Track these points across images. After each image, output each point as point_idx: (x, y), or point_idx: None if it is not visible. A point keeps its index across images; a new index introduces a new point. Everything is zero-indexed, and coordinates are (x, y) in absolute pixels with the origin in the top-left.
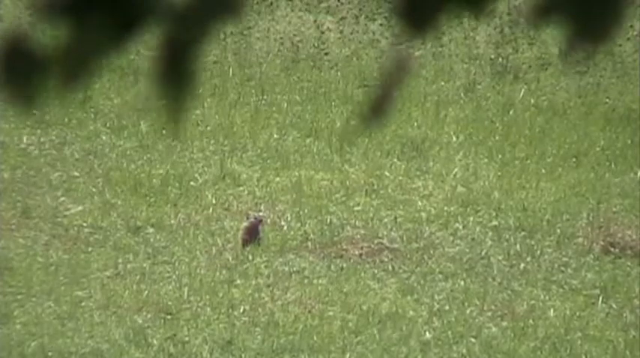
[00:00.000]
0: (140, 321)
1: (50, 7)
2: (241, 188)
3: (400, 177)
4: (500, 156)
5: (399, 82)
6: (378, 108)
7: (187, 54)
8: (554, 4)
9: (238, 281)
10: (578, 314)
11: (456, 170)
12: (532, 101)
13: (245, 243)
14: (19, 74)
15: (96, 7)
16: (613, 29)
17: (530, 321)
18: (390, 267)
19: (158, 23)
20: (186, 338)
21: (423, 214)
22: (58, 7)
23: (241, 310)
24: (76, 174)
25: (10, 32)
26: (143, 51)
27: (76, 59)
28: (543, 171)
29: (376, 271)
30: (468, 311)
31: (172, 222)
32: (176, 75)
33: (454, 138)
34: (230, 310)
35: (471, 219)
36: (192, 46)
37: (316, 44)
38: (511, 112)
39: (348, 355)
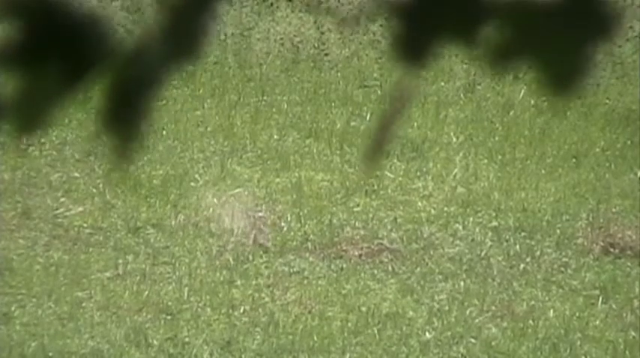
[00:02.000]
0: (140, 322)
1: (1, 56)
2: (241, 188)
3: (400, 178)
4: (500, 156)
5: (398, 118)
6: (378, 147)
7: (138, 98)
8: (518, 50)
9: (238, 282)
10: (577, 314)
11: (455, 171)
12: (532, 102)
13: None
14: None
15: (48, 55)
16: (584, 75)
17: (530, 322)
18: (389, 268)
19: (110, 68)
20: (187, 339)
21: (423, 215)
22: (10, 56)
23: (241, 310)
24: (77, 174)
25: None
26: None
27: (31, 107)
28: (543, 171)
29: (376, 272)
30: (467, 312)
31: (173, 222)
32: (126, 119)
33: (454, 139)
34: (230, 310)
35: (471, 219)
36: (144, 90)
37: (316, 45)
38: (511, 113)
39: (348, 355)
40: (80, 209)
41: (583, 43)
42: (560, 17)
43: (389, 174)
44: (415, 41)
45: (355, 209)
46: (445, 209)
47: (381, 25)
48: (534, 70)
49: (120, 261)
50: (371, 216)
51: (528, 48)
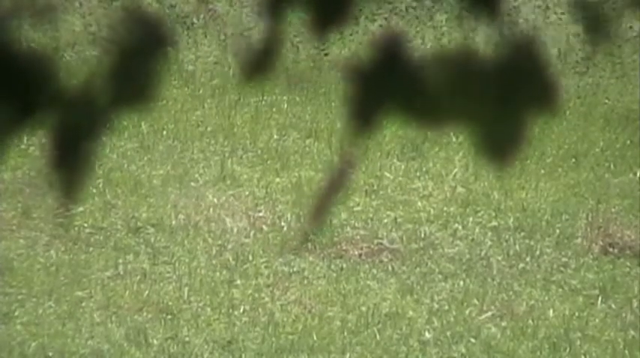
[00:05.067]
0: (140, 321)
1: None
2: (241, 188)
3: (400, 178)
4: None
5: (337, 194)
6: (316, 218)
7: (81, 140)
8: (454, 116)
9: (238, 282)
10: (577, 314)
11: (455, 170)
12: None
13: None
14: None
15: None
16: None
17: (530, 321)
18: (389, 268)
19: (54, 110)
20: (187, 339)
21: (423, 215)
22: None
23: (241, 310)
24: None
25: None
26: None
27: None
28: (543, 171)
29: (376, 271)
30: (467, 312)
31: (173, 222)
32: (69, 159)
33: (454, 139)
34: (230, 310)
35: (471, 219)
36: (87, 135)
37: (316, 45)
38: None
39: (347, 355)
40: (80, 209)
41: (520, 111)
42: (501, 85)
43: (389, 174)
44: (365, 106)
45: (355, 209)
46: (445, 209)
47: (380, 26)
48: (470, 135)
49: (120, 261)
50: (371, 215)
51: (465, 114)
